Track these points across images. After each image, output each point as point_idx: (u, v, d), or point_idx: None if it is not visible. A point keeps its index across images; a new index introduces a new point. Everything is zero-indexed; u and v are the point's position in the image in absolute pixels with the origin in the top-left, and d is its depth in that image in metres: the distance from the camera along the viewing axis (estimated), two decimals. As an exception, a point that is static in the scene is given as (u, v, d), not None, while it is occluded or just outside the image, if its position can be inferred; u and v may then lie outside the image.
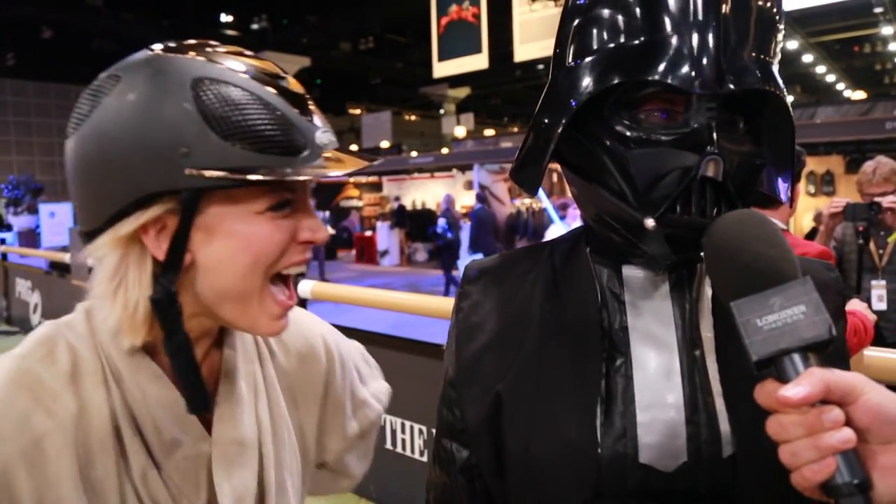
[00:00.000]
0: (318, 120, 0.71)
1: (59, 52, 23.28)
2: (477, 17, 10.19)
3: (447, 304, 2.96)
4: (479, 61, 10.28)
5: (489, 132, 30.68)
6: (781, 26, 0.71)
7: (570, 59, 0.75)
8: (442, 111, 29.89)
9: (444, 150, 21.23)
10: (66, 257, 6.94)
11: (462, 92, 28.35)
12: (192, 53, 0.69)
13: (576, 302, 0.78)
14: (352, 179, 20.82)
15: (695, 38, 0.66)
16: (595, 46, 0.72)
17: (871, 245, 3.04)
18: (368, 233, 17.84)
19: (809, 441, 0.51)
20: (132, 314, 0.69)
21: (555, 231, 5.57)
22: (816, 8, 12.29)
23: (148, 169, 0.64)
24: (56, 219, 18.14)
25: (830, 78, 25.07)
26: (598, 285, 0.78)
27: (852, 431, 0.51)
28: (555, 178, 15.41)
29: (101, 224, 0.68)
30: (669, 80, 0.65)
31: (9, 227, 18.73)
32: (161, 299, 0.68)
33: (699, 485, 0.70)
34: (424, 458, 2.96)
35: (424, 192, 19.99)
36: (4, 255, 9.55)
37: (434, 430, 0.90)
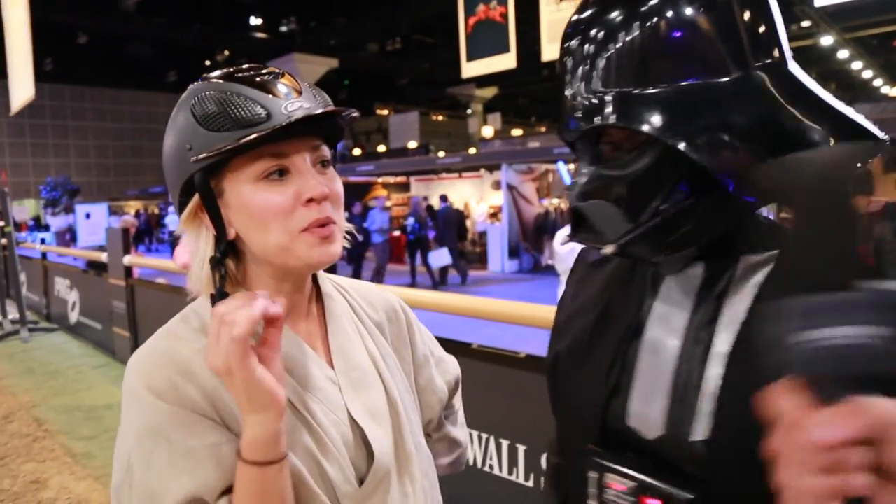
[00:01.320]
0: (302, 96, 0.86)
1: (94, 57, 23.78)
2: (504, 16, 10.14)
3: (478, 303, 2.96)
4: (507, 61, 10.23)
5: (517, 132, 30.61)
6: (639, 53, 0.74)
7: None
8: (469, 111, 29.87)
9: (472, 150, 21.21)
10: (102, 256, 7.08)
11: (489, 92, 28.30)
12: (202, 80, 0.88)
13: (633, 289, 0.88)
14: (380, 179, 20.90)
15: (565, 90, 0.80)
16: None
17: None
18: (396, 233, 17.89)
19: (821, 481, 0.46)
20: (202, 276, 0.87)
21: (566, 230, 5.63)
22: (852, 3, 12.01)
23: (177, 165, 0.86)
24: (92, 219, 18.50)
25: (867, 74, 24.51)
26: (650, 277, 0.87)
27: (872, 479, 0.46)
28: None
29: (178, 211, 0.89)
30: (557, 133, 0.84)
31: (46, 227, 19.13)
32: (213, 263, 0.86)
33: (674, 458, 0.76)
34: (491, 470, 2.92)
35: (452, 192, 19.99)
36: (44, 255, 9.79)
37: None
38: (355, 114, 0.91)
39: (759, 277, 0.77)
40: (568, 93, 0.79)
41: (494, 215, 16.70)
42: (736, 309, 0.77)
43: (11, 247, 8.58)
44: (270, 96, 0.83)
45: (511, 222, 14.85)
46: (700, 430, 0.74)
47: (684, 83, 0.72)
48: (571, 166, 14.32)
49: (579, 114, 0.77)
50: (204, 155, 0.81)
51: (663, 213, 0.75)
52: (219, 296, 0.83)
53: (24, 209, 28.51)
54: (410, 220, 13.78)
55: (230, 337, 0.72)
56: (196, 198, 0.85)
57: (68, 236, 20.19)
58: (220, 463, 0.78)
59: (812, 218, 0.57)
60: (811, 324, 0.49)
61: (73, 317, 8.14)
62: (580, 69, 0.78)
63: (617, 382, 0.84)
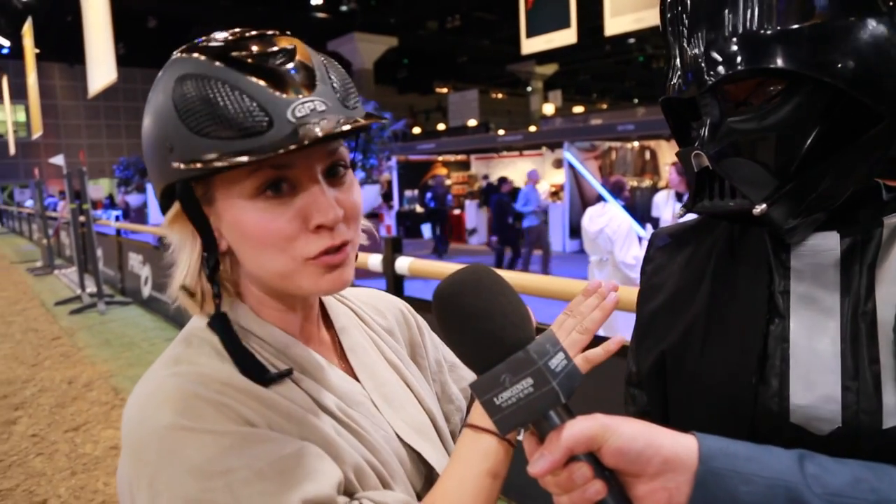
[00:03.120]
0: (316, 90, 0.68)
1: (163, 40, 24.47)
2: (566, -10, 9.95)
3: (546, 282, 2.94)
4: (567, 36, 10.03)
5: (578, 109, 30.08)
6: None
7: None
8: (529, 88, 29.49)
9: (532, 128, 20.97)
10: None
11: (550, 68, 27.86)
12: (186, 52, 0.70)
13: (747, 266, 0.80)
14: (440, 158, 20.91)
15: (678, 49, 0.75)
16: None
17: None
18: (456, 211, 17.91)
19: (567, 498, 0.57)
20: (189, 287, 0.75)
21: (599, 210, 5.35)
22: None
23: (157, 164, 0.70)
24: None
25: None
26: (770, 252, 0.79)
27: (602, 485, 0.56)
28: (613, 156, 14.98)
29: (162, 211, 0.75)
30: (665, 95, 0.78)
31: (123, 206, 19.84)
32: (207, 279, 0.73)
33: (858, 452, 0.67)
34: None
35: (513, 171, 19.83)
36: (119, 231, 10.22)
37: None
38: (384, 121, 0.76)
39: None
40: (685, 45, 0.73)
41: (556, 194, 16.51)
42: (891, 275, 0.71)
43: (89, 224, 8.99)
44: (276, 93, 0.66)
45: (572, 201, 14.65)
46: (890, 415, 0.67)
47: (836, 22, 0.67)
48: (569, 154, 14.00)
49: (708, 65, 0.71)
50: (184, 167, 0.66)
51: (808, 167, 0.70)
52: (216, 319, 0.73)
53: (99, 188, 29.77)
54: (428, 195, 14.59)
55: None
56: (177, 204, 0.71)
57: (133, 214, 20.96)
58: (317, 464, 0.68)
59: None
60: (493, 395, 0.58)
61: (146, 291, 8.47)
62: (702, 16, 0.72)
63: (760, 377, 0.75)
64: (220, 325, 0.73)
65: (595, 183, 8.81)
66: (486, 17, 23.37)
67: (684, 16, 0.74)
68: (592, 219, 5.37)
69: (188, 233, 0.73)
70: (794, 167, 0.70)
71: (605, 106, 35.89)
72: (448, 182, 20.23)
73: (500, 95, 36.87)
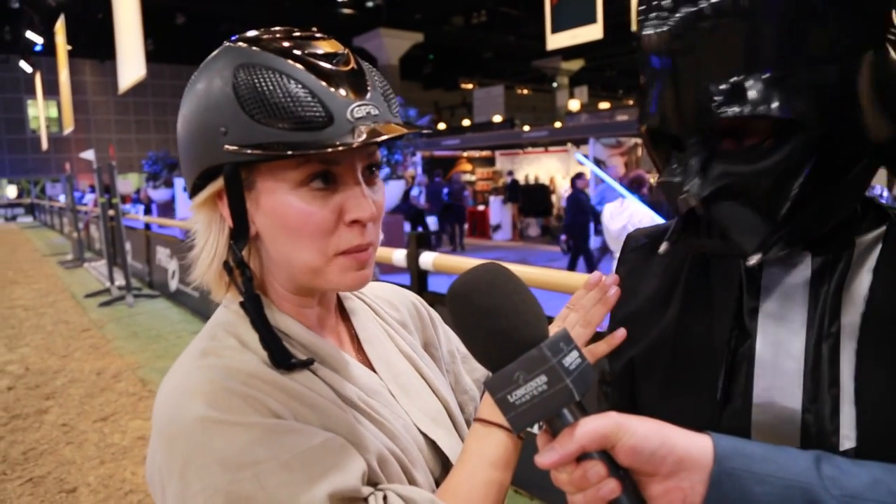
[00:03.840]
0: (368, 95, 0.72)
1: (191, 37, 24.74)
2: (593, -15, 9.87)
3: (568, 277, 2.93)
4: (593, 32, 9.95)
5: (604, 105, 29.84)
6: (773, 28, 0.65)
7: None
8: (555, 84, 29.32)
9: (558, 124, 20.85)
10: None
11: (576, 64, 27.67)
12: (248, 43, 0.72)
13: (719, 278, 0.80)
14: (464, 154, 20.90)
15: (669, 80, 0.70)
16: None
17: None
18: (481, 207, 17.89)
19: (581, 496, 0.57)
20: (211, 273, 0.77)
21: (618, 208, 5.31)
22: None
23: (204, 145, 0.71)
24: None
25: None
26: (742, 269, 0.78)
27: (616, 483, 0.56)
28: (640, 152, 14.82)
29: (190, 193, 0.77)
30: (645, 124, 0.74)
31: (146, 200, 20.10)
32: (230, 263, 0.75)
33: None
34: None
35: (538, 167, 19.76)
36: (147, 225, 10.37)
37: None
38: (425, 130, 0.78)
39: (871, 260, 0.72)
40: (684, 79, 0.69)
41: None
42: (857, 298, 0.71)
43: (118, 218, 9.13)
44: (335, 91, 0.69)
45: (597, 197, 14.55)
46: (847, 437, 0.68)
47: (829, 65, 0.64)
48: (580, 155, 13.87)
49: (716, 101, 0.66)
50: (241, 149, 0.68)
51: (797, 208, 0.68)
52: (248, 300, 0.74)
53: (127, 183, 30.27)
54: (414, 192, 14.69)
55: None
56: (216, 185, 0.73)
57: (153, 209, 21.23)
58: (343, 455, 0.70)
59: None
60: (507, 392, 0.58)
61: (173, 284, 8.59)
62: (699, 51, 0.67)
63: (725, 391, 0.75)
64: (254, 305, 0.75)
65: (609, 179, 8.67)
66: (511, 13, 23.27)
67: (675, 46, 0.69)
68: (613, 216, 5.36)
69: (216, 216, 0.76)
70: (786, 210, 0.68)
71: (631, 102, 35.55)
72: (472, 178, 20.22)
73: (525, 91, 36.73)
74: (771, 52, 0.65)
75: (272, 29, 0.75)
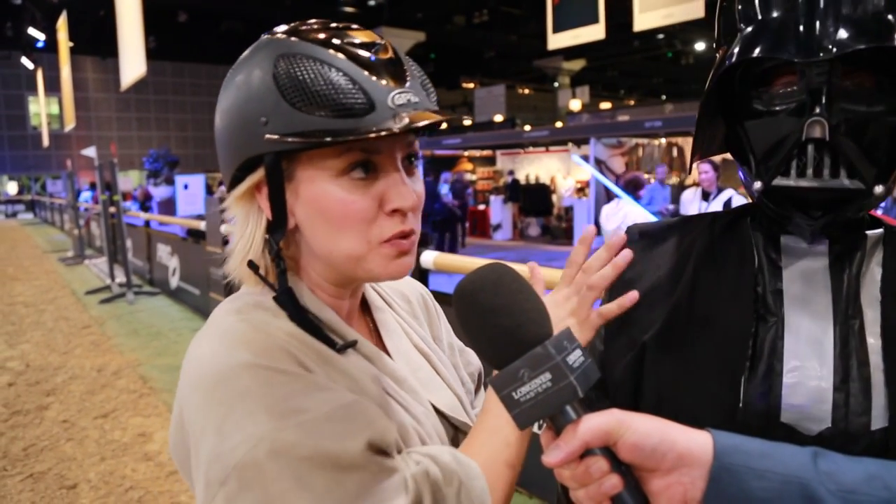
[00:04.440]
0: (407, 83, 0.72)
1: (193, 34, 24.77)
2: (595, -15, 9.86)
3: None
4: (595, 32, 9.94)
5: (605, 105, 29.83)
6: None
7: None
8: (556, 84, 29.31)
9: (559, 124, 20.85)
10: (201, 225, 7.42)
11: (577, 64, 27.64)
12: (287, 35, 0.73)
13: (732, 264, 0.81)
14: (465, 153, 20.89)
15: (798, 10, 0.70)
16: (727, 31, 0.79)
17: None
18: (482, 206, 17.89)
19: (584, 492, 0.58)
20: (245, 266, 0.77)
21: (613, 208, 5.34)
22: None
23: (244, 136, 0.71)
24: (190, 189, 19.41)
25: None
26: (756, 251, 0.80)
27: (618, 478, 0.57)
28: (640, 152, 14.83)
29: (228, 186, 0.77)
30: (769, 54, 0.71)
31: (142, 197, 20.07)
32: (254, 261, 0.76)
33: (847, 453, 0.68)
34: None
35: (538, 167, 19.75)
36: (148, 223, 10.38)
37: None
38: (467, 122, 0.77)
39: (878, 256, 0.75)
40: (808, 10, 0.70)
41: (581, 190, 16.42)
42: (873, 286, 0.74)
43: (119, 215, 9.14)
44: (375, 79, 0.69)
45: (598, 197, 14.55)
46: (878, 417, 0.69)
47: None
48: (576, 157, 13.86)
49: (847, 32, 0.67)
50: (282, 138, 0.68)
51: None
52: (282, 294, 0.75)
53: (128, 180, 30.23)
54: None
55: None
56: (256, 177, 0.73)
57: (153, 206, 21.25)
58: (377, 415, 0.71)
59: None
60: (511, 389, 0.59)
61: (174, 282, 8.60)
62: None
63: (749, 375, 0.76)
64: (289, 299, 0.75)
65: (604, 180, 8.58)
66: (513, 13, 23.25)
67: None
68: (608, 217, 5.40)
69: (254, 208, 0.76)
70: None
71: (632, 102, 35.53)
72: (473, 178, 20.21)
73: (526, 91, 36.71)
74: None
75: (308, 21, 0.75)
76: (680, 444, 0.58)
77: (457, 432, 0.87)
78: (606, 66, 30.67)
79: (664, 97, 34.77)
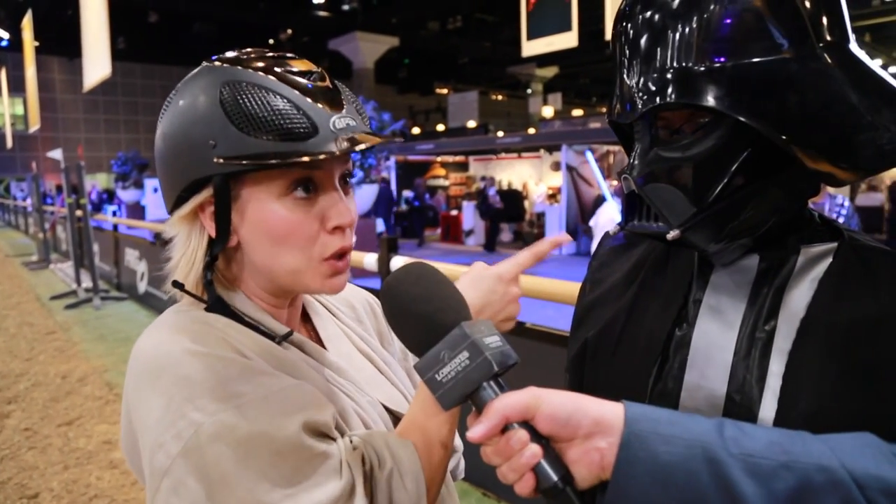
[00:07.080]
0: (344, 109, 0.77)
1: (163, 36, 24.45)
2: (567, -7, 9.95)
3: (536, 283, 2.95)
4: (568, 39, 10.02)
5: (577, 112, 30.12)
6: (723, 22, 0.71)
7: None
8: (529, 91, 29.52)
9: (531, 131, 20.98)
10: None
11: (550, 71, 27.88)
12: (229, 63, 0.77)
13: (675, 273, 0.86)
14: (438, 159, 20.92)
15: (619, 75, 0.78)
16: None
17: None
18: (454, 212, 17.91)
19: (507, 466, 0.61)
20: (189, 283, 0.81)
21: (607, 209, 5.64)
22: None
23: (190, 159, 0.75)
24: (159, 193, 19.10)
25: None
26: (696, 267, 0.84)
27: (537, 447, 0.61)
28: (611, 159, 15.01)
29: (171, 206, 0.80)
30: (609, 117, 0.81)
31: (97, 197, 19.65)
32: (205, 266, 0.80)
33: None
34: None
35: (511, 173, 19.85)
36: (115, 227, 10.21)
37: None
38: (396, 140, 0.84)
39: (818, 271, 0.76)
40: (625, 74, 0.77)
41: (553, 196, 16.52)
42: (796, 303, 0.75)
43: (86, 218, 8.97)
44: (318, 106, 0.75)
45: (570, 204, 14.68)
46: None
47: (748, 60, 0.69)
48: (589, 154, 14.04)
49: (641, 94, 0.74)
50: (231, 161, 0.72)
51: (727, 196, 0.73)
52: (216, 303, 0.79)
53: (96, 183, 29.72)
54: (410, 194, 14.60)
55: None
56: (201, 197, 0.77)
57: (121, 209, 20.89)
58: (315, 397, 0.75)
59: None
60: (434, 372, 0.64)
61: (142, 287, 8.46)
62: (639, 49, 0.75)
63: (659, 375, 0.81)
64: (221, 307, 0.80)
65: (602, 182, 9.00)
66: (487, 19, 23.38)
67: (626, 45, 0.77)
68: (601, 217, 5.67)
69: (196, 227, 0.80)
70: (712, 196, 0.74)
71: (604, 109, 35.93)
72: (445, 183, 20.23)
73: (499, 97, 36.89)
74: (704, 47, 0.71)
75: (246, 50, 0.80)
76: (593, 411, 0.62)
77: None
78: (579, 74, 30.96)
79: (635, 105, 35.05)
